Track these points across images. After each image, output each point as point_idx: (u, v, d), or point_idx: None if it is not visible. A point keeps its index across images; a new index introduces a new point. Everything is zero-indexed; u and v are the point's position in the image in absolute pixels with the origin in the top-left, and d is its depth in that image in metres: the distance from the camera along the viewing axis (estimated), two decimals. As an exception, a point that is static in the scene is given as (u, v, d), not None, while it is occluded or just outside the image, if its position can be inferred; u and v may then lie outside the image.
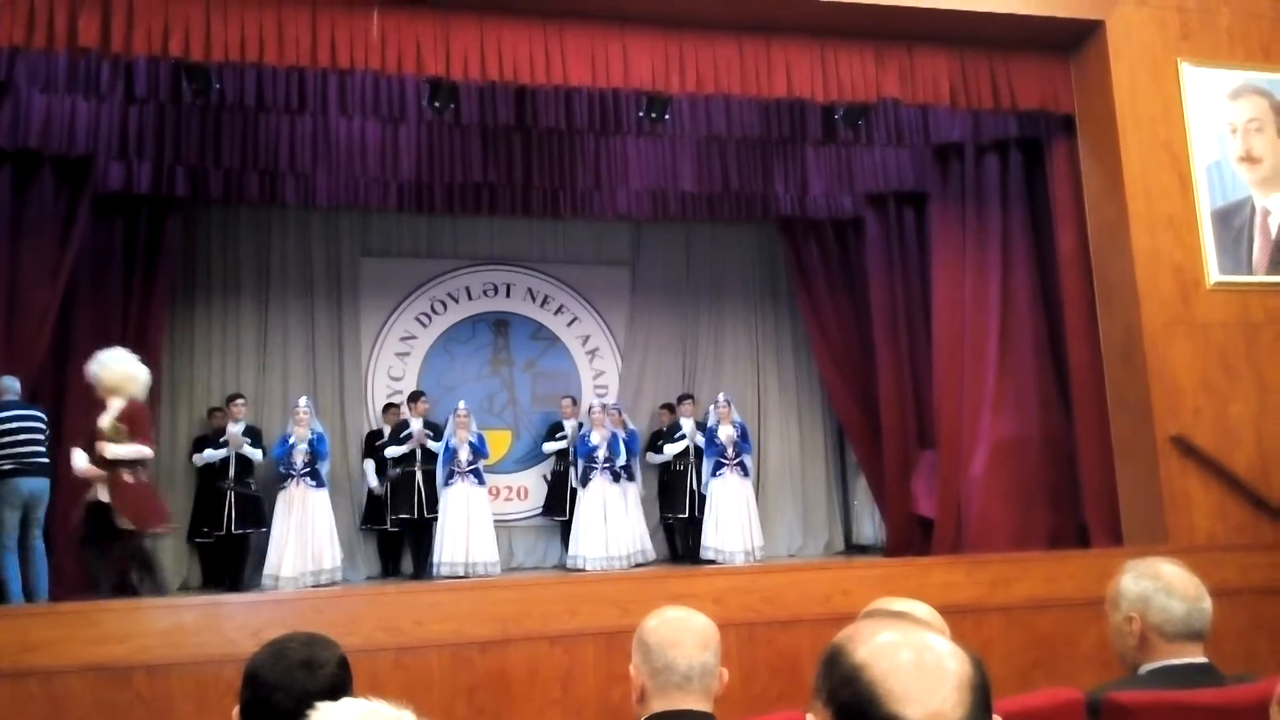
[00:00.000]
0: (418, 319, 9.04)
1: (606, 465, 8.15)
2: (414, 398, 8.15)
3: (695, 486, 8.35)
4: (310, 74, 6.29)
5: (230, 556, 7.54)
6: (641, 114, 6.70)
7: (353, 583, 7.81)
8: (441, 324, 9.12)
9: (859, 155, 8.20)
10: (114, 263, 7.53)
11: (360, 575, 8.15)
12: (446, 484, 7.78)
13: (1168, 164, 6.23)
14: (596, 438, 8.21)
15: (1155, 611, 2.20)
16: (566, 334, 9.36)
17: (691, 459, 8.44)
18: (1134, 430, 6.14)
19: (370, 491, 8.22)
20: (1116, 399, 6.33)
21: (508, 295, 9.31)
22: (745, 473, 8.34)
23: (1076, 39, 6.47)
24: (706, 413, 8.58)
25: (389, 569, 8.20)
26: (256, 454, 7.70)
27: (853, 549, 9.25)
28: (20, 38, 5.13)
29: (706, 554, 8.04)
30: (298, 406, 7.70)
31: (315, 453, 7.59)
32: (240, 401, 7.72)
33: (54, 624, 4.41)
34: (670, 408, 8.94)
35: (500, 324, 9.27)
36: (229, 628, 4.51)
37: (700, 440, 8.46)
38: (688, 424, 8.56)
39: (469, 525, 7.66)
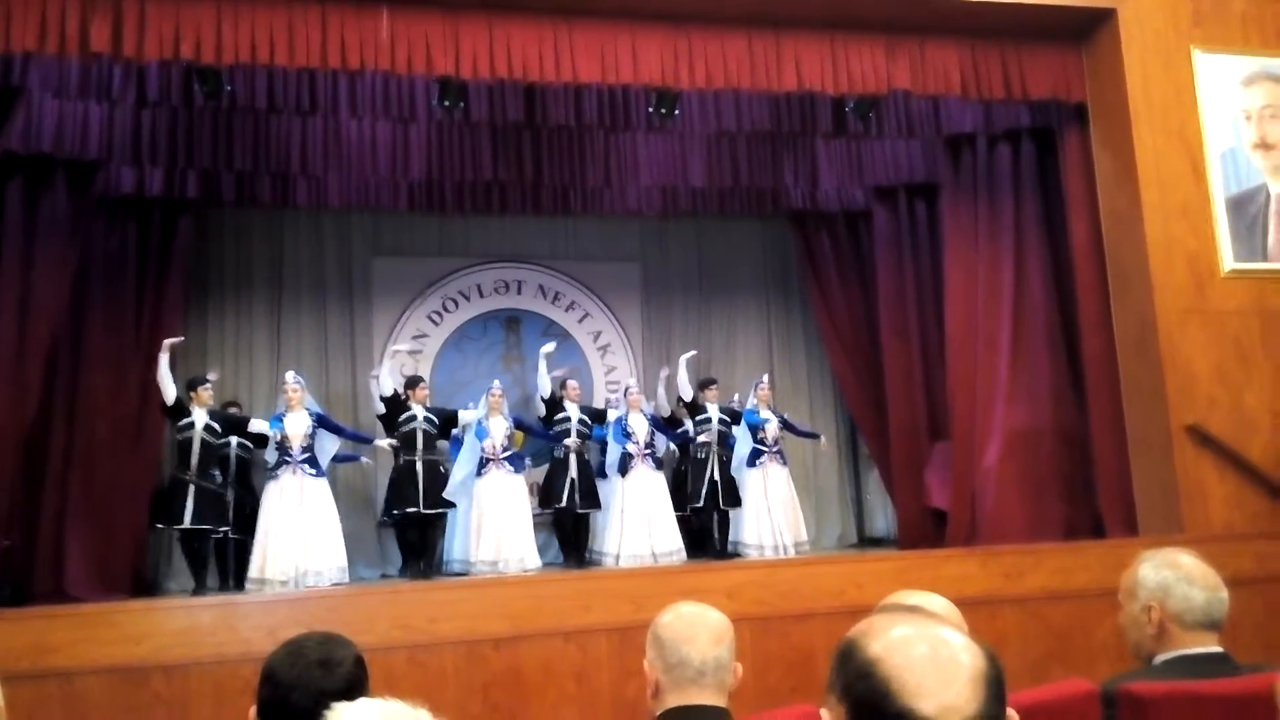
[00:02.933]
0: (429, 317, 9.06)
1: (648, 452, 7.52)
2: (412, 383, 7.42)
3: (716, 475, 7.67)
4: (321, 75, 6.31)
5: (195, 555, 6.68)
6: (651, 110, 6.70)
7: (367, 581, 7.81)
8: (453, 322, 9.13)
9: (869, 147, 8.18)
10: (126, 266, 7.56)
11: (375, 573, 8.12)
12: (479, 473, 7.14)
13: (1181, 152, 6.19)
14: (636, 422, 7.58)
15: (1176, 601, 2.19)
16: (578, 330, 9.37)
17: (715, 446, 7.74)
18: (1148, 420, 6.11)
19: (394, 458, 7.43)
20: (1131, 389, 6.30)
21: (519, 292, 9.32)
22: (784, 460, 7.86)
23: (1088, 27, 6.44)
24: (734, 398, 8.39)
25: (408, 564, 7.54)
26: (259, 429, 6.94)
27: (865, 542, 9.23)
28: (32, 43, 5.17)
29: (746, 550, 7.53)
30: (285, 382, 6.95)
31: (320, 430, 6.87)
32: (206, 386, 6.82)
33: (73, 625, 4.45)
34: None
35: (512, 321, 9.28)
36: (245, 627, 4.54)
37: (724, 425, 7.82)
38: (712, 409, 7.86)
39: (505, 519, 6.98)
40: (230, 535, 6.97)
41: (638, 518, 7.33)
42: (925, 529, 7.81)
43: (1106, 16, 6.31)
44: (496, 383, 7.65)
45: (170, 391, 6.62)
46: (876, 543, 9.04)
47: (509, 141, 7.58)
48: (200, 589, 6.50)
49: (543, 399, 7.65)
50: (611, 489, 7.58)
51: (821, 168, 8.32)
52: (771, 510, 7.59)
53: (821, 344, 9.20)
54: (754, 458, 7.77)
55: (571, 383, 7.86)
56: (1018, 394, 7.02)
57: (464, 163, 7.58)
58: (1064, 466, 6.91)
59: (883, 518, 9.15)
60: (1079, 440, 6.88)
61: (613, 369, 9.39)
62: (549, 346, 7.89)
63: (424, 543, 7.29)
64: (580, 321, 9.39)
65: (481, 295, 9.22)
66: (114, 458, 7.05)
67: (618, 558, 7.25)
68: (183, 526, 6.56)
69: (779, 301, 9.71)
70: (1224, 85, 6.29)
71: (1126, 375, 6.34)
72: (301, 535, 6.49)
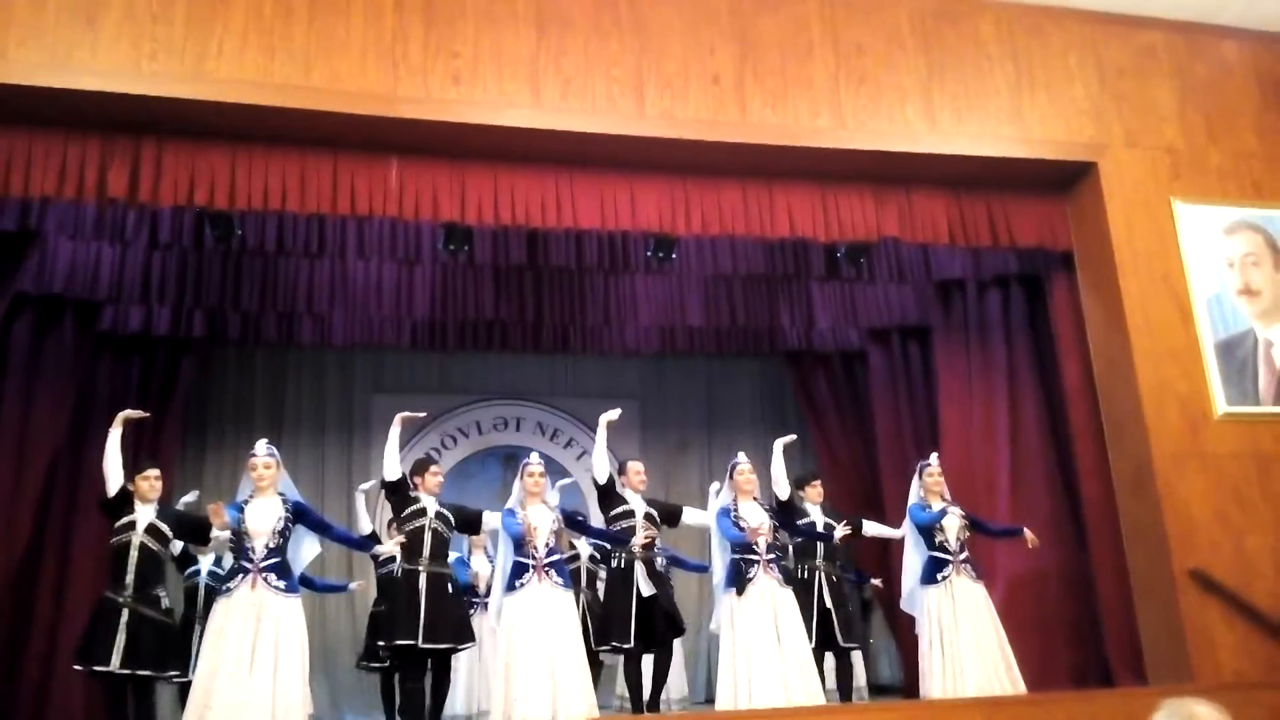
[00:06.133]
0: (428, 454, 9.05)
1: (771, 557, 5.50)
2: (420, 467, 5.53)
3: (828, 602, 5.98)
4: (330, 220, 6.49)
5: (128, 703, 4.90)
6: (649, 253, 6.86)
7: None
8: (452, 458, 9.14)
9: (862, 291, 8.35)
10: (128, 402, 7.56)
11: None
12: (511, 586, 5.18)
13: (1167, 298, 6.33)
14: (751, 513, 5.60)
15: (1183, 756, 2.14)
16: (576, 468, 9.35)
17: (820, 561, 6.13)
18: (1151, 564, 6.05)
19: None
20: (1131, 532, 6.26)
21: (518, 429, 9.37)
22: (977, 574, 5.80)
23: (1071, 180, 6.67)
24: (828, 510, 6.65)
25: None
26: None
27: (872, 689, 8.97)
28: (51, 189, 5.32)
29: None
30: (255, 455, 5.04)
31: (298, 528, 4.98)
32: (147, 475, 5.14)
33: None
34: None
35: (510, 458, 9.28)
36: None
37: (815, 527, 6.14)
38: (815, 512, 6.29)
39: (558, 654, 4.96)
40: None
41: (765, 653, 5.19)
42: (929, 675, 7.59)
43: (1088, 170, 6.54)
44: (535, 455, 5.73)
45: (115, 480, 5.01)
46: (882, 690, 8.78)
47: (511, 282, 7.76)
48: None
49: (597, 485, 5.82)
50: (719, 613, 5.52)
51: (816, 309, 8.47)
52: (963, 645, 5.51)
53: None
54: (933, 570, 5.72)
55: (634, 465, 5.99)
56: (1018, 536, 6.96)
57: (466, 302, 7.75)
58: (1069, 611, 6.80)
59: (887, 663, 8.92)
60: (1083, 583, 6.78)
61: (610, 507, 9.32)
62: (612, 413, 5.88)
63: (434, 693, 5.29)
64: (579, 459, 9.39)
65: (480, 432, 9.26)
66: (103, 598, 6.92)
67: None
68: (107, 669, 4.70)
69: (777, 438, 9.70)
70: (1206, 234, 6.48)
71: (1126, 519, 6.30)
72: (247, 684, 4.48)
